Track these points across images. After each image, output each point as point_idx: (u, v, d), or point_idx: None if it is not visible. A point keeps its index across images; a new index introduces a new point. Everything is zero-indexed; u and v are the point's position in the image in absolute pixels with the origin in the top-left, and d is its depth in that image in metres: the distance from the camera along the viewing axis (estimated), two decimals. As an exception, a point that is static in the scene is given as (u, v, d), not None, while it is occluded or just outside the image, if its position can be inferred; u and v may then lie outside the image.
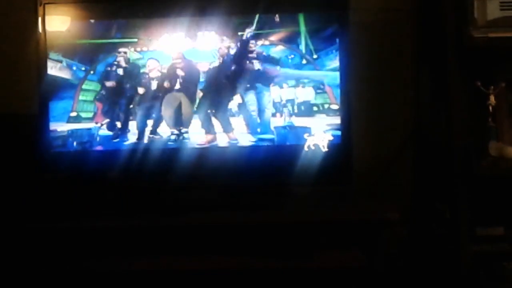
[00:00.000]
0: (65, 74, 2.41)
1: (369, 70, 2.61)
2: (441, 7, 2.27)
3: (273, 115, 2.40)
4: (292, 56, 2.40)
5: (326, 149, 2.37)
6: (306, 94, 2.39)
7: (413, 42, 2.59)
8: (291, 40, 2.39)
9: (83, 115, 2.41)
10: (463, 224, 2.24)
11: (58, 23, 2.39)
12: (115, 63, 2.41)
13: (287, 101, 2.39)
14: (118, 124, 2.42)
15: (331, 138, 2.37)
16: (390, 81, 2.65)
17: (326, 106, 2.38)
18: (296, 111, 2.39)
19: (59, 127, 2.40)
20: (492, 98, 2.32)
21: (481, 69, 2.36)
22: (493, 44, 2.23)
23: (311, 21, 2.38)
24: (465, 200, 2.24)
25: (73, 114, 2.41)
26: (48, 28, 2.39)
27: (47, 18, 2.38)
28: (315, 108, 2.38)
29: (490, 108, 2.32)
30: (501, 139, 2.34)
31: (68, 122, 2.41)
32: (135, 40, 2.40)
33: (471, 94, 2.33)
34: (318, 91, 2.39)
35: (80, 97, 2.41)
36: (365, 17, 2.57)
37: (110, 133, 2.42)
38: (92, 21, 2.40)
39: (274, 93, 2.40)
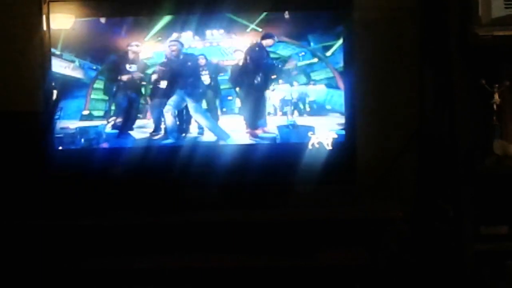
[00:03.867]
0: (72, 73, 2.42)
1: (373, 69, 2.60)
2: (446, 5, 2.26)
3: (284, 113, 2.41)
4: (303, 53, 2.40)
5: (330, 148, 2.37)
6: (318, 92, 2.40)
7: (417, 40, 2.59)
8: (300, 38, 2.39)
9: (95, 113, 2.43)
10: (466, 223, 2.24)
11: (62, 21, 2.40)
12: (123, 61, 2.41)
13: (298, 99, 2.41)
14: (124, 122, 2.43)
15: (335, 136, 2.37)
16: (394, 80, 2.64)
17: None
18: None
19: (68, 124, 2.41)
20: (496, 96, 2.32)
21: (486, 67, 2.35)
22: (497, 42, 2.22)
23: (315, 21, 2.38)
24: (469, 199, 2.24)
25: (86, 112, 2.43)
26: (53, 26, 2.39)
27: (51, 16, 2.38)
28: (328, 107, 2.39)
29: (495, 106, 2.32)
30: (505, 137, 2.33)
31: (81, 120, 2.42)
32: (144, 38, 2.40)
33: (476, 92, 2.32)
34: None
35: (92, 96, 2.43)
36: (369, 16, 2.57)
37: (116, 131, 2.42)
38: (97, 19, 2.40)
39: (281, 91, 2.40)
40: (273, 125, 2.40)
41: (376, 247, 2.29)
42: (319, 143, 2.37)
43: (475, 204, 2.26)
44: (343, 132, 2.37)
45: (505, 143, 2.29)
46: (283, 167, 2.38)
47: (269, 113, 2.41)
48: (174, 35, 2.39)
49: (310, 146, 2.37)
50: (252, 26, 2.38)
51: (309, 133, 2.38)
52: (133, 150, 2.40)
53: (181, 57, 2.40)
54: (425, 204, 2.54)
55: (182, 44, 2.39)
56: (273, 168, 2.37)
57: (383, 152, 2.62)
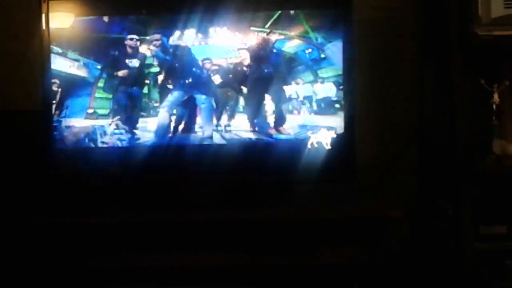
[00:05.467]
0: (71, 71, 2.41)
1: (373, 68, 2.61)
2: (445, 5, 2.27)
3: (290, 112, 2.40)
4: (310, 50, 2.40)
5: (329, 147, 2.37)
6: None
7: (417, 40, 2.59)
8: (304, 35, 2.38)
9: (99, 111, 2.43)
10: (466, 222, 2.25)
11: (61, 20, 2.40)
12: (123, 59, 2.41)
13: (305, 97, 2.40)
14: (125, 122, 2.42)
15: (335, 135, 2.37)
16: (394, 79, 2.65)
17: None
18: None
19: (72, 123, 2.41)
20: (496, 96, 2.32)
21: (485, 67, 2.36)
22: (497, 42, 2.22)
23: (315, 19, 2.38)
24: (469, 198, 2.24)
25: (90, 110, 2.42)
26: (52, 25, 2.39)
27: (50, 15, 2.39)
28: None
29: (494, 106, 2.32)
30: (505, 137, 2.33)
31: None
32: (144, 37, 2.40)
33: (475, 92, 2.33)
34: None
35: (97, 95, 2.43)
36: (368, 15, 2.57)
37: (116, 130, 2.42)
38: (96, 17, 2.40)
39: (289, 90, 2.40)
40: (288, 125, 2.39)
41: (376, 247, 2.29)
42: (319, 142, 2.37)
43: (474, 203, 2.26)
44: (343, 130, 2.37)
45: (504, 143, 2.30)
46: (283, 166, 2.37)
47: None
48: (176, 33, 2.38)
49: (309, 145, 2.37)
50: (256, 25, 2.38)
51: (309, 132, 2.38)
52: (135, 149, 2.40)
53: (182, 55, 2.40)
54: (425, 203, 2.55)
55: (167, 39, 2.38)
56: (274, 167, 2.37)
57: (383, 152, 2.62)
